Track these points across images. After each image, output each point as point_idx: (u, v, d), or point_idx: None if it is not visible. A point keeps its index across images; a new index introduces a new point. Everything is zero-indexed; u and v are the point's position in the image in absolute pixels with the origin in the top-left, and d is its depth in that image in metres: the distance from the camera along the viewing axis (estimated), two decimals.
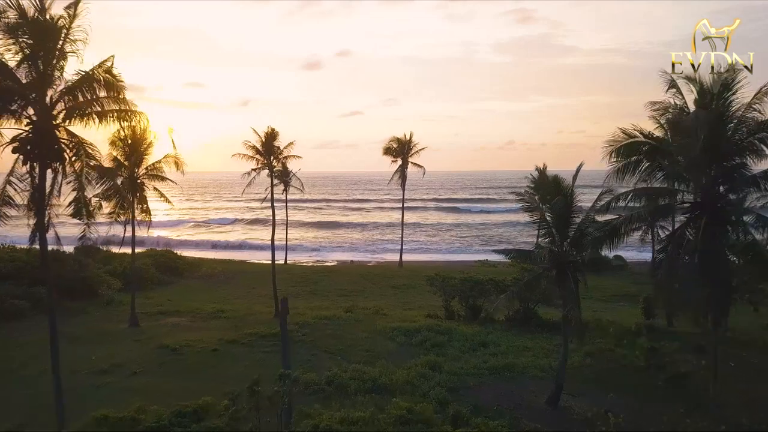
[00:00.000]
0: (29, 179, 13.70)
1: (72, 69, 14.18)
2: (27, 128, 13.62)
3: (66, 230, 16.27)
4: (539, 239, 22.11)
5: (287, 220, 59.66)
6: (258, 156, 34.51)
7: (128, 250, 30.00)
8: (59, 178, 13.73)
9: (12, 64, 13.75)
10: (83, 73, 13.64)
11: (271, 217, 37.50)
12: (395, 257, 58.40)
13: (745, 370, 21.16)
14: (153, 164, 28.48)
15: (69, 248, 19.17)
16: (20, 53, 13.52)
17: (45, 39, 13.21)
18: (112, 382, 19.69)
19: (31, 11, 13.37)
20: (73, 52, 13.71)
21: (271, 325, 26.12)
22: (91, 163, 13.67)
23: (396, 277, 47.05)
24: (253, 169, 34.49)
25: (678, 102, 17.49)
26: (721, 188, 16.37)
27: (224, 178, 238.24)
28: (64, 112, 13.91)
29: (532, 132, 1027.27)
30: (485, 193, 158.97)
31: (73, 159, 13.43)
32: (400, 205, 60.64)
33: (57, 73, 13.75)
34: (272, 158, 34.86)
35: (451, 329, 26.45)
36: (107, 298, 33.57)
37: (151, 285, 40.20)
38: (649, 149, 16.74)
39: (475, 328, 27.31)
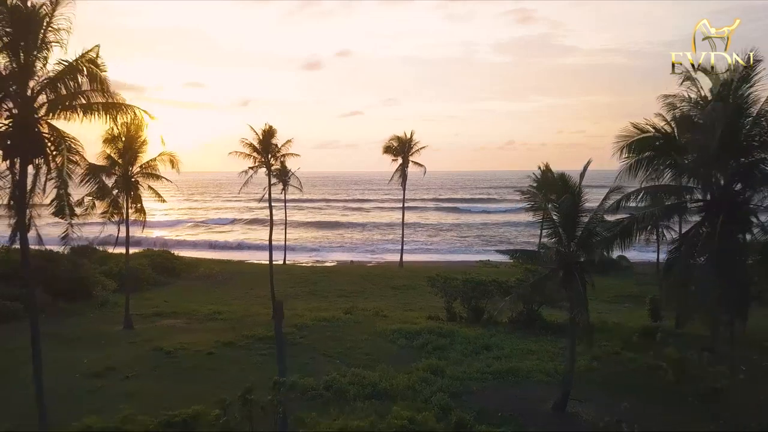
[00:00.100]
0: (9, 176, 12.99)
1: (57, 60, 13.50)
2: (7, 122, 12.92)
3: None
4: (543, 239, 21.52)
5: (286, 220, 59.14)
6: (255, 154, 33.90)
7: (123, 251, 29.36)
8: (41, 174, 13.03)
9: None
10: (65, 64, 12.93)
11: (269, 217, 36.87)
12: (395, 257, 57.87)
13: (755, 373, 20.51)
14: (148, 162, 27.80)
15: (55, 247, 18.52)
16: None
17: (26, 28, 12.52)
18: (105, 386, 19.10)
19: None
20: (57, 42, 13.01)
21: (269, 327, 25.43)
22: (74, 158, 12.96)
23: (396, 278, 46.54)
24: (250, 168, 33.84)
25: (693, 95, 16.93)
26: (738, 185, 15.71)
27: (224, 178, 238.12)
28: (46, 105, 13.21)
29: (532, 132, 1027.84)
30: (485, 192, 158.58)
31: (55, 153, 12.71)
32: (400, 205, 60.08)
33: (39, 64, 13.05)
34: (270, 156, 34.26)
35: (453, 331, 25.86)
36: (102, 299, 33.10)
37: (148, 286, 39.75)
38: (661, 145, 16.09)
39: (478, 330, 26.70)
